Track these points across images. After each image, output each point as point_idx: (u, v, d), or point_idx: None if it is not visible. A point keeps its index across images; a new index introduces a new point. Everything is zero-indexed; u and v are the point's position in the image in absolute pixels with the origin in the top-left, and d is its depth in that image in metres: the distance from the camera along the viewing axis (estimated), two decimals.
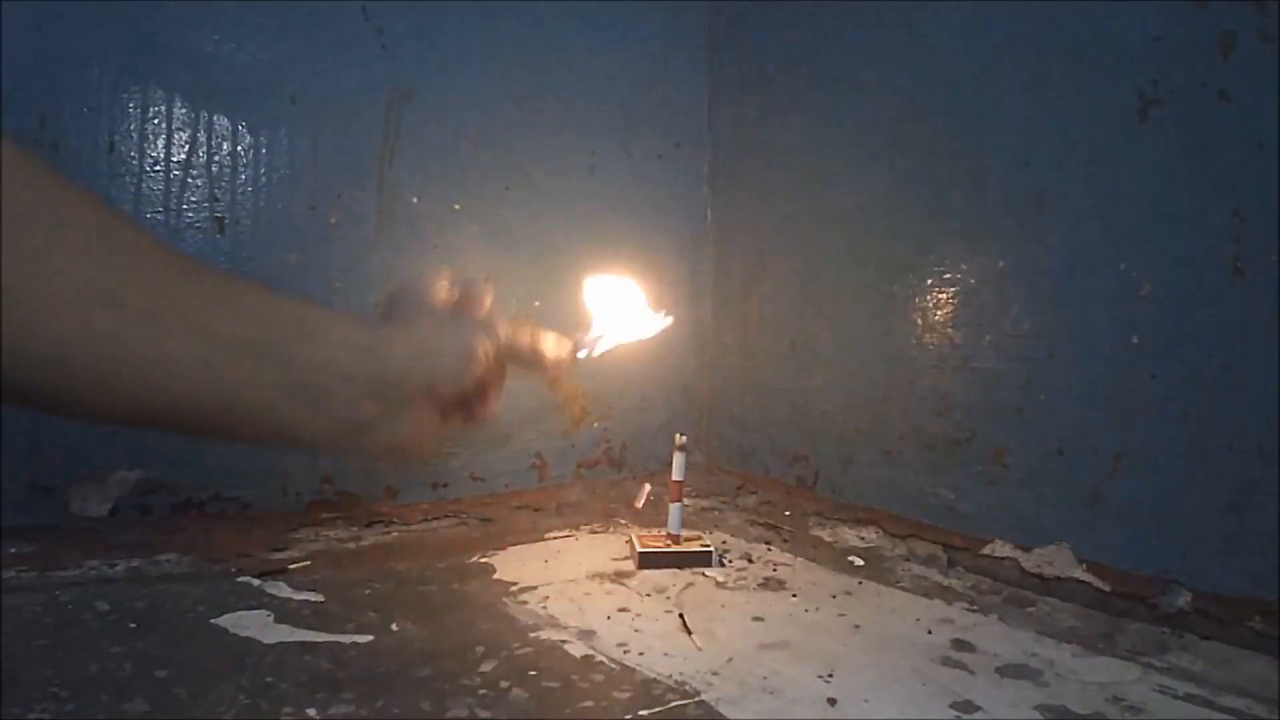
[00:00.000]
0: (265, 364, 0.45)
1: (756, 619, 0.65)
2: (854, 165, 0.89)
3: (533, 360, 0.60)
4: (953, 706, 0.51)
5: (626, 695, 0.52)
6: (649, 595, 0.70)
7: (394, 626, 0.61)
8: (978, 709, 0.51)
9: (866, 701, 0.52)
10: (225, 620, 0.61)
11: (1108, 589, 0.67)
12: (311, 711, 0.48)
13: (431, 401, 0.52)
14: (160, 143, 0.80)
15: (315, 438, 0.48)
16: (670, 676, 0.55)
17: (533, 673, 0.54)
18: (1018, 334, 0.74)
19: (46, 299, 0.37)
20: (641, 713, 0.50)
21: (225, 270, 0.47)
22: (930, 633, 0.63)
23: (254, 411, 0.45)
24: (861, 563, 0.79)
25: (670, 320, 0.70)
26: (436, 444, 0.54)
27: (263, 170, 0.84)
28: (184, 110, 0.81)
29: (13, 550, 0.72)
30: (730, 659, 0.58)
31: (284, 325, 0.46)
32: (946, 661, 0.58)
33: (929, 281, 0.82)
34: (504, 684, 0.53)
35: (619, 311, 0.68)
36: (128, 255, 0.41)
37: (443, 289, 0.57)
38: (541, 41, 0.98)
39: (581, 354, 0.65)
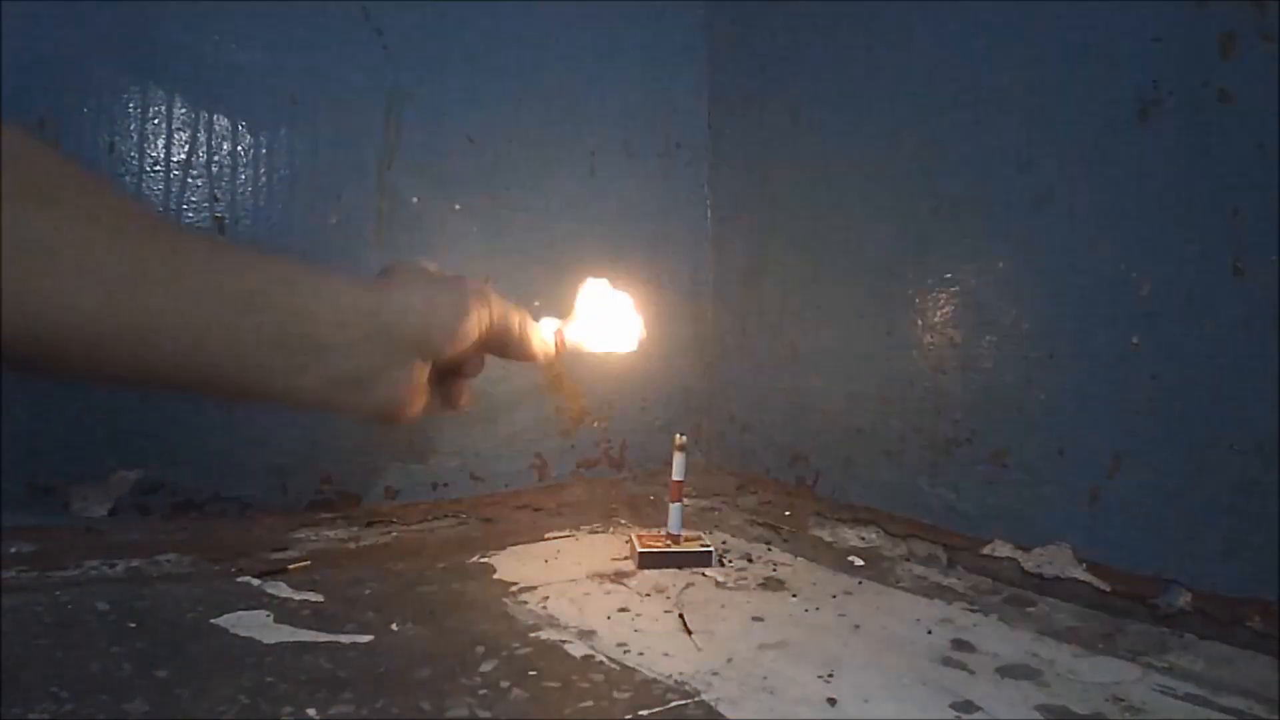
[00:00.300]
0: (254, 318, 0.45)
1: (756, 619, 0.65)
2: (854, 165, 0.89)
3: (520, 344, 0.60)
4: (953, 706, 0.52)
5: (626, 695, 0.52)
6: (649, 595, 0.70)
7: (394, 626, 0.61)
8: (978, 709, 0.51)
9: (866, 701, 0.52)
10: (225, 620, 0.61)
11: (1108, 589, 0.67)
12: (311, 711, 0.48)
13: (422, 359, 0.52)
14: (160, 143, 0.80)
15: (307, 393, 0.48)
16: (670, 676, 0.55)
17: (533, 673, 0.54)
18: (1018, 334, 0.74)
19: (24, 268, 0.37)
20: (641, 713, 0.50)
21: (213, 233, 0.47)
22: (930, 633, 0.63)
23: (245, 367, 0.45)
24: (861, 563, 0.79)
25: (642, 334, 0.70)
26: (421, 410, 0.54)
27: (263, 170, 0.84)
28: (184, 110, 0.81)
29: (13, 550, 0.72)
30: (730, 659, 0.58)
31: (273, 280, 0.46)
32: (946, 661, 0.58)
33: (929, 281, 0.82)
34: (504, 684, 0.53)
35: (605, 316, 0.68)
36: (106, 221, 0.41)
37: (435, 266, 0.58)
38: (541, 41, 0.97)
39: (566, 340, 0.65)
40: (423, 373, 0.52)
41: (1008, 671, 0.57)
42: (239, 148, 0.83)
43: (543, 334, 0.63)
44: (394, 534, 0.84)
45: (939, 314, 0.81)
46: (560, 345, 0.65)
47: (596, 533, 0.87)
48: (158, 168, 0.80)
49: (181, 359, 0.43)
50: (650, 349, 0.73)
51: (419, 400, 0.53)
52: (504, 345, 0.59)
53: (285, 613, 0.63)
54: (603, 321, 0.69)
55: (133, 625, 0.59)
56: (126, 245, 0.41)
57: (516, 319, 0.60)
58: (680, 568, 0.76)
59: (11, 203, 0.37)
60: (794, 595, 0.71)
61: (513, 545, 0.82)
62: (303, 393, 0.48)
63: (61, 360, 0.40)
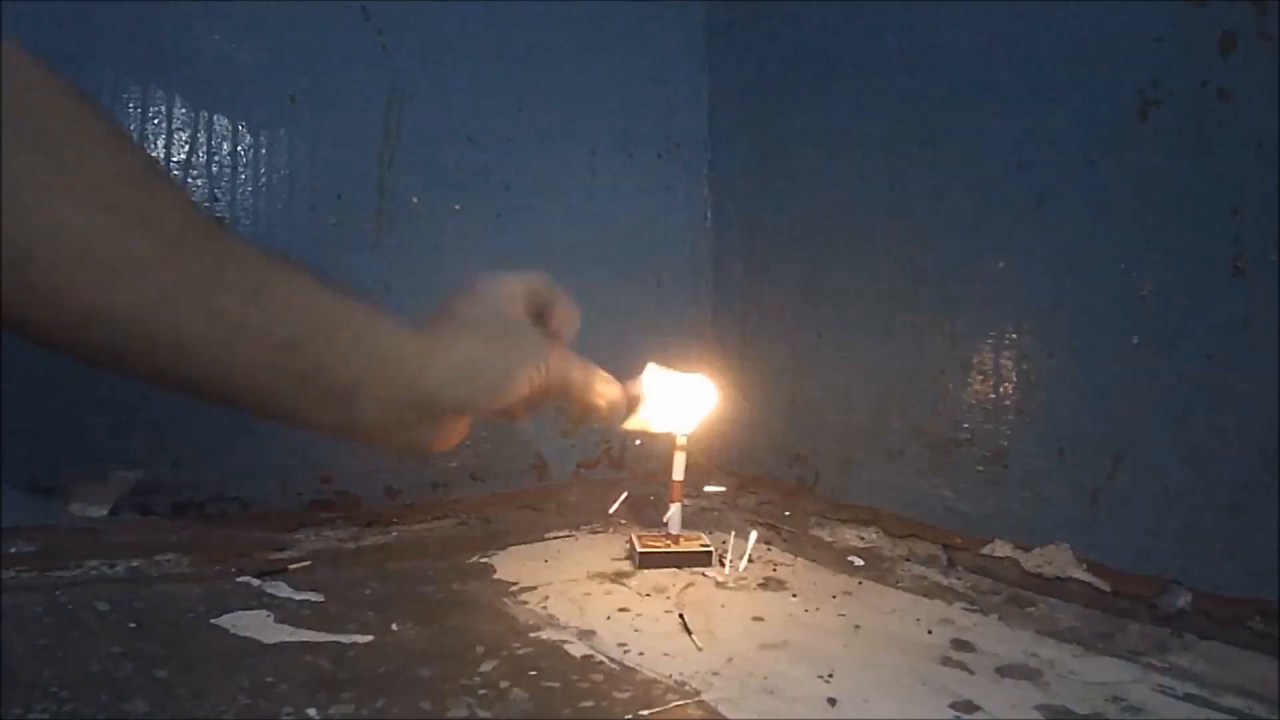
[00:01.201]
0: (296, 362, 0.44)
1: (756, 619, 0.65)
2: (854, 165, 0.89)
3: (579, 404, 0.59)
4: (953, 706, 0.52)
5: (626, 695, 0.52)
6: (649, 595, 0.70)
7: (394, 626, 0.61)
8: (978, 709, 0.51)
9: (866, 701, 0.52)
10: (225, 620, 0.61)
11: (1108, 589, 0.67)
12: (311, 711, 0.48)
13: (457, 416, 0.52)
14: (160, 143, 0.80)
15: (336, 432, 0.48)
16: (670, 676, 0.55)
17: (533, 673, 0.54)
18: (1018, 334, 0.74)
19: (85, 265, 0.37)
20: (641, 713, 0.50)
21: (272, 252, 0.46)
22: (930, 633, 0.63)
23: (274, 398, 0.45)
24: (861, 563, 0.79)
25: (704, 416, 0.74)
26: (451, 446, 0.54)
27: (263, 170, 0.84)
28: (184, 110, 0.81)
29: (13, 550, 0.72)
30: (730, 659, 0.58)
31: (323, 324, 0.45)
32: (946, 661, 0.58)
33: (928, 282, 0.82)
34: (504, 684, 0.53)
35: (672, 399, 0.72)
36: (173, 225, 0.40)
37: (520, 294, 0.56)
38: (541, 41, 0.97)
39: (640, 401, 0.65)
40: (457, 425, 0.52)
41: (1008, 671, 0.57)
42: (239, 148, 0.83)
43: (609, 392, 0.61)
44: (394, 534, 0.84)
45: (939, 314, 0.81)
46: (631, 404, 0.64)
47: (596, 533, 0.87)
48: None
49: (213, 381, 0.43)
50: (650, 349, 0.73)
51: (450, 443, 0.53)
52: (565, 398, 0.58)
53: (285, 613, 0.63)
54: (667, 401, 0.71)
55: (133, 625, 0.59)
56: (175, 255, 0.40)
57: (578, 378, 0.58)
58: (680, 568, 0.76)
59: (60, 195, 0.36)
60: (794, 595, 0.71)
61: (513, 545, 0.82)
62: (327, 429, 0.48)
63: (82, 351, 0.40)
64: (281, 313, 0.44)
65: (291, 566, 0.73)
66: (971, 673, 0.56)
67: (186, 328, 0.40)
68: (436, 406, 0.50)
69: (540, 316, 0.58)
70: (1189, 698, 0.54)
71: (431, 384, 0.49)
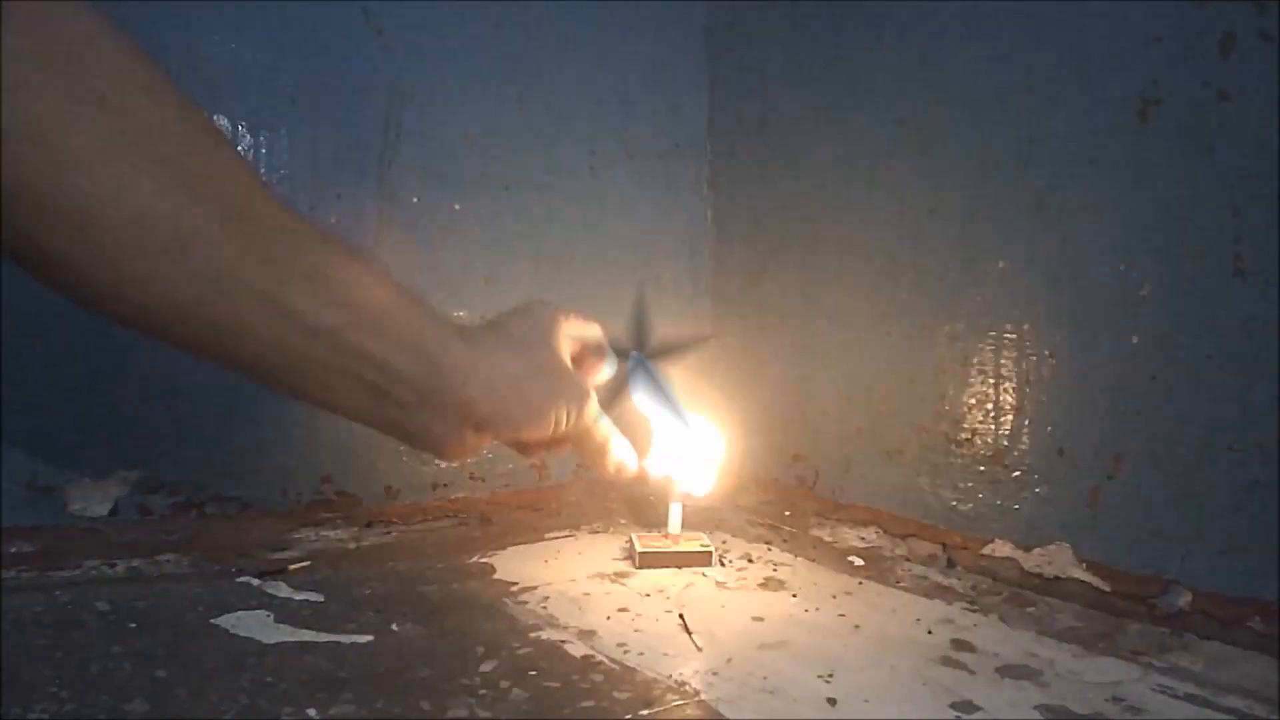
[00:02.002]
0: (337, 351, 0.43)
1: (756, 619, 0.65)
2: (854, 165, 0.89)
3: (594, 458, 0.60)
4: (953, 706, 0.52)
5: (626, 695, 0.52)
6: (649, 595, 0.70)
7: (394, 626, 0.61)
8: (978, 709, 0.51)
9: (866, 701, 0.52)
10: (225, 620, 0.61)
11: (1108, 589, 0.67)
12: (311, 711, 0.48)
13: (483, 431, 0.52)
14: None
15: (363, 420, 0.48)
16: (670, 676, 0.55)
17: (533, 673, 0.54)
18: (1018, 334, 0.74)
19: (146, 230, 0.36)
20: (641, 713, 0.50)
21: (328, 234, 0.45)
22: (930, 633, 0.63)
23: (317, 388, 0.45)
24: (861, 563, 0.79)
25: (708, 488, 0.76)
26: (471, 455, 0.54)
27: (263, 170, 0.84)
28: None
29: (13, 550, 0.72)
30: (730, 659, 0.58)
31: (365, 316, 0.44)
32: (946, 661, 0.58)
33: (928, 281, 0.82)
34: (504, 684, 0.53)
35: (686, 459, 0.73)
36: (236, 195, 0.39)
37: (568, 333, 0.56)
38: (541, 41, 0.97)
39: (649, 471, 0.66)
40: (478, 438, 0.52)
41: (1008, 671, 0.57)
42: (239, 148, 0.83)
43: (624, 455, 0.62)
44: (394, 534, 0.84)
45: (939, 314, 0.81)
46: (643, 476, 0.66)
47: (596, 533, 0.87)
48: None
49: (247, 358, 0.42)
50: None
51: (469, 452, 0.53)
52: (579, 449, 0.59)
53: (285, 613, 0.63)
54: (681, 460, 0.73)
55: (133, 625, 0.59)
56: (237, 226, 0.39)
57: (601, 436, 0.59)
58: (680, 568, 0.76)
59: (120, 163, 0.35)
60: (794, 595, 0.71)
61: (513, 545, 0.82)
62: (359, 418, 0.48)
63: (127, 316, 0.39)
64: (325, 298, 0.42)
65: (291, 566, 0.73)
66: (971, 673, 0.57)
67: (239, 303, 0.40)
68: (470, 417, 0.50)
69: (577, 361, 0.59)
70: (1189, 698, 0.54)
71: (471, 393, 0.49)
